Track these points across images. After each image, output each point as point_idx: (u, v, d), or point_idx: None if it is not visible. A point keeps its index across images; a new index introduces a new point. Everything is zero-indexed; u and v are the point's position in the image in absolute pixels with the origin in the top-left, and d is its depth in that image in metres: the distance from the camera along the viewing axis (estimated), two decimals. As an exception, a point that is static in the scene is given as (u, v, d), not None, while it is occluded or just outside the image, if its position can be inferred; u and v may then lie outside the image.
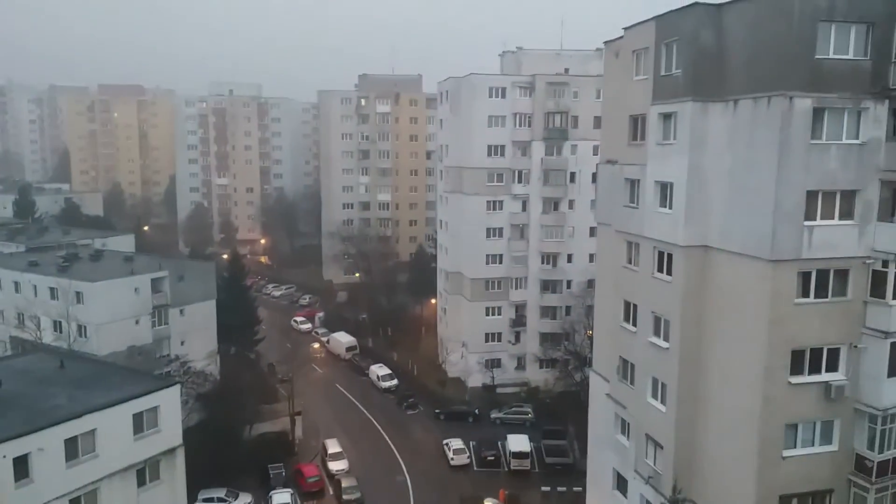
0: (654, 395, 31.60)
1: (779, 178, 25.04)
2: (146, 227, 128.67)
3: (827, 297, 26.11)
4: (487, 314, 73.97)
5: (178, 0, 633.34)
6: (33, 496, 30.15)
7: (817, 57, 24.73)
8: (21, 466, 29.95)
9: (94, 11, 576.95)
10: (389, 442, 62.80)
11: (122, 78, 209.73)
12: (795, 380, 26.15)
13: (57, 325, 54.57)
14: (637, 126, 32.71)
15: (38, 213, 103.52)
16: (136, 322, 56.37)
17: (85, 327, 54.02)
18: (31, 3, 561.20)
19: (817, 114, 25.08)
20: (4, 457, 29.24)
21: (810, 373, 26.42)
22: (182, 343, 59.58)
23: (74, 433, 31.99)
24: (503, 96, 71.53)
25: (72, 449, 31.95)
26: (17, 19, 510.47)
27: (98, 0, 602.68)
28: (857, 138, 25.56)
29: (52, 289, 55.85)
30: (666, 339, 30.44)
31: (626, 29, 33.31)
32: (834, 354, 26.60)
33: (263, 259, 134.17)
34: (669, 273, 30.01)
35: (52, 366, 39.61)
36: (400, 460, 59.63)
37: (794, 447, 26.77)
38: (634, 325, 33.03)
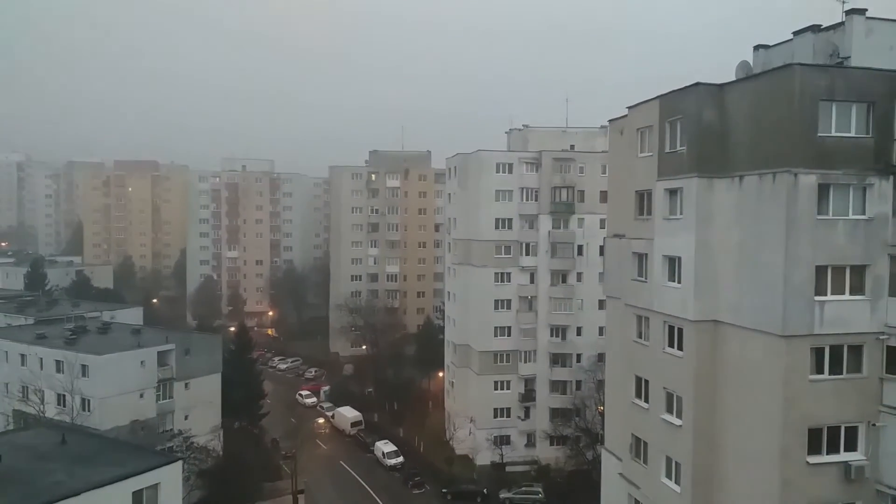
0: (668, 475, 30.64)
1: (787, 254, 25.03)
2: (155, 300, 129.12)
3: (842, 373, 25.62)
4: (496, 388, 72.84)
5: (195, 79, 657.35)
6: (26, 579, 29.14)
7: (820, 135, 25.15)
8: (16, 547, 29.08)
9: (114, 89, 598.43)
10: (395, 523, 60.76)
11: (137, 153, 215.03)
12: (814, 459, 25.35)
13: (61, 399, 54.08)
14: (643, 201, 33.04)
15: (48, 286, 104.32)
16: (141, 396, 55.87)
17: (89, 401, 53.51)
18: (52, 81, 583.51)
19: (822, 190, 25.30)
20: (0, 536, 28.43)
21: (828, 452, 25.61)
22: (186, 417, 58.81)
23: (73, 512, 31.15)
24: (510, 171, 72.83)
25: (69, 528, 31.05)
26: (38, 97, 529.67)
27: (118, 79, 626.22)
28: (863, 213, 25.68)
29: (58, 362, 55.70)
30: (679, 416, 29.76)
31: (630, 108, 34.13)
32: (852, 433, 25.87)
33: (270, 331, 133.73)
34: (680, 348, 29.64)
35: (53, 441, 39.01)
36: (406, 542, 57.53)
37: (816, 531, 25.67)
38: (647, 401, 32.39)
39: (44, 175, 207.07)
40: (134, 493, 33.95)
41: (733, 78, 29.87)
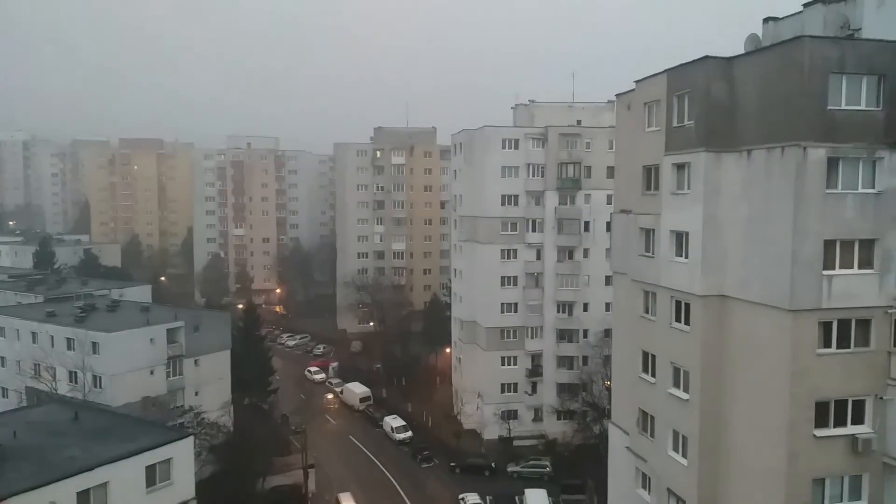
0: (675, 449, 30.90)
1: (795, 228, 24.95)
2: (163, 278, 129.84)
3: (850, 347, 25.64)
4: (503, 364, 73.31)
5: (199, 57, 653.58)
6: (44, 551, 29.79)
7: (830, 108, 24.90)
8: (33, 520, 29.68)
9: (117, 68, 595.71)
10: (404, 496, 61.60)
11: (142, 132, 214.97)
12: (821, 433, 25.50)
13: (72, 376, 54.70)
14: (650, 176, 32.88)
15: (57, 264, 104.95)
16: (151, 372, 56.43)
17: (100, 378, 54.11)
18: (55, 59, 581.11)
19: (832, 163, 25.12)
20: (17, 510, 29.00)
21: (836, 425, 25.75)
22: (196, 393, 59.45)
23: (87, 486, 31.84)
24: (516, 147, 72.49)
25: (84, 502, 31.72)
26: (43, 76, 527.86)
27: (120, 56, 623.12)
28: (872, 187, 25.50)
29: (68, 339, 56.20)
30: (686, 390, 29.93)
31: (637, 82, 33.81)
32: (859, 406, 25.97)
33: (278, 309, 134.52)
34: (688, 323, 29.70)
35: (66, 417, 39.63)
36: (414, 515, 58.38)
37: (822, 503, 25.93)
38: (653, 376, 32.55)
39: (49, 154, 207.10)
40: (147, 467, 34.60)
41: (742, 51, 29.54)
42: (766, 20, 32.36)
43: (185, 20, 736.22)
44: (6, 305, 71.41)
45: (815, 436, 25.41)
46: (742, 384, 27.68)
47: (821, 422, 25.56)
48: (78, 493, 31.44)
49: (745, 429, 27.54)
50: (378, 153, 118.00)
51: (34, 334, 59.13)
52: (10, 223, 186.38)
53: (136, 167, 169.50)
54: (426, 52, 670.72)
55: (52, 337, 57.64)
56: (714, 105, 28.15)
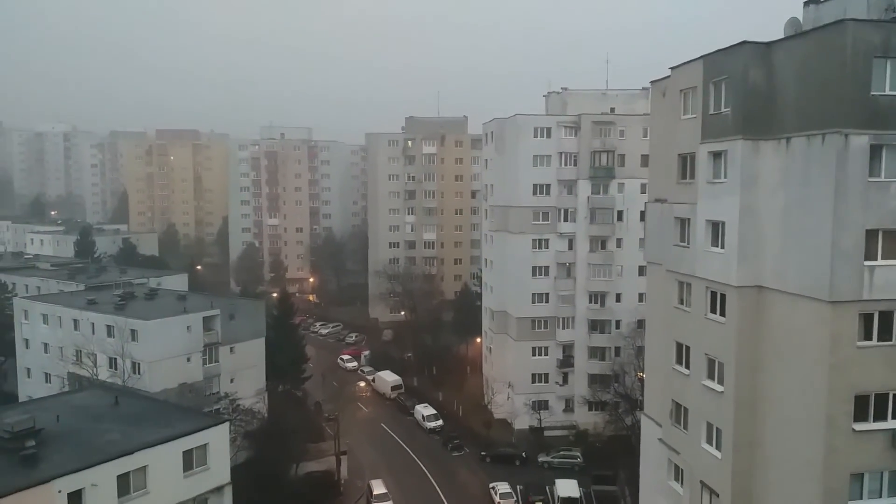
0: (709, 441, 30.53)
1: (836, 217, 24.36)
2: (199, 267, 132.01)
3: (891, 339, 25.01)
4: (534, 354, 73.11)
5: (233, 48, 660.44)
6: (86, 532, 30.68)
7: (873, 93, 24.20)
8: (75, 501, 30.63)
9: (154, 60, 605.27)
10: (435, 484, 62.00)
11: (178, 123, 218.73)
12: (860, 427, 24.97)
13: (112, 362, 56.02)
14: (686, 165, 32.35)
15: (97, 253, 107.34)
16: (188, 360, 57.50)
17: (139, 364, 55.34)
18: (94, 53, 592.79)
19: (874, 151, 24.43)
20: (60, 492, 29.97)
21: (876, 419, 25.18)
22: (231, 380, 60.44)
23: (127, 469, 32.66)
24: (548, 136, 71.87)
25: (124, 485, 32.60)
26: (82, 69, 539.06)
27: (158, 49, 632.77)
28: (918, 175, 24.73)
29: (108, 326, 57.54)
30: (720, 382, 29.52)
31: (672, 68, 33.23)
32: (901, 400, 25.34)
33: (311, 297, 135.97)
34: (723, 314, 29.25)
35: (107, 402, 40.67)
36: (445, 503, 58.69)
37: (860, 499, 25.40)
38: (687, 367, 32.17)
39: (89, 145, 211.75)
40: (184, 452, 35.35)
41: (781, 36, 28.79)
42: (806, 4, 31.44)
43: (220, 11, 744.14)
44: (49, 293, 73.43)
45: (854, 430, 24.89)
46: (778, 377, 27.20)
47: (860, 416, 25.02)
48: (118, 477, 32.31)
49: (781, 422, 27.09)
50: (409, 143, 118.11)
51: (76, 321, 60.68)
52: (52, 213, 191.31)
53: (172, 158, 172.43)
54: (458, 42, 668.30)
55: (93, 324, 59.05)
56: (752, 91, 27.54)
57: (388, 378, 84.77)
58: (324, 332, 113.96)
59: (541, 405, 72.36)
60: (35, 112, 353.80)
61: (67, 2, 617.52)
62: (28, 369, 65.59)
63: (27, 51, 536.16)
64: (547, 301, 72.96)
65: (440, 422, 73.74)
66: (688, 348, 32.15)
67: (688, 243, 31.95)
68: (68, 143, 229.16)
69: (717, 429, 29.93)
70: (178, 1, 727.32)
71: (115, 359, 55.28)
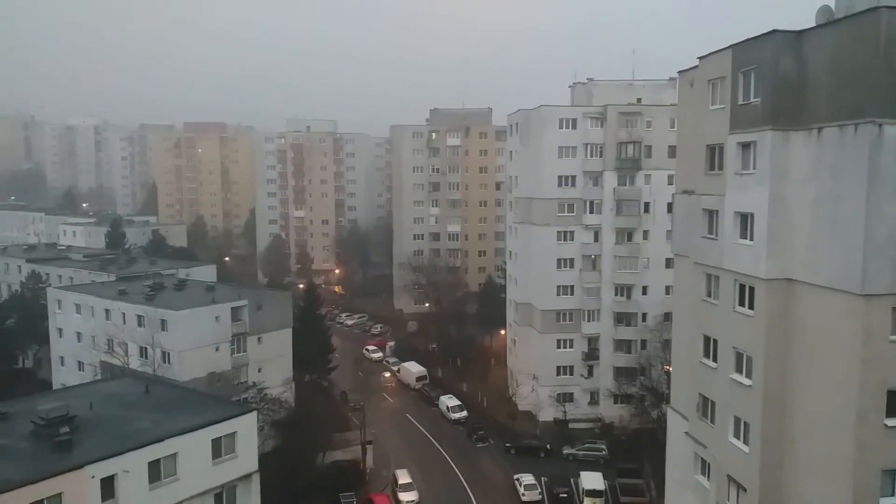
0: (737, 435, 30.24)
1: (868, 209, 23.89)
2: (227, 258, 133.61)
3: (925, 334, 24.50)
4: (559, 347, 72.89)
5: (259, 42, 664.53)
6: (119, 517, 31.38)
7: (908, 82, 23.62)
8: (108, 487, 31.35)
9: (183, 54, 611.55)
10: (459, 474, 62.27)
11: (206, 116, 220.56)
12: (892, 422, 24.52)
13: (143, 352, 57.11)
14: (714, 156, 31.94)
15: (127, 245, 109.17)
16: (217, 349, 58.32)
17: (169, 353, 56.30)
18: (124, 48, 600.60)
19: (910, 141, 23.86)
20: (93, 477, 30.65)
21: (908, 415, 24.72)
22: (259, 370, 61.18)
23: (158, 456, 33.26)
24: (574, 127, 71.33)
25: (155, 471, 33.19)
26: (113, 64, 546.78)
27: (187, 45, 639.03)
28: (954, 166, 24.12)
29: (139, 316, 58.60)
30: (748, 376, 29.20)
31: (701, 58, 32.78)
32: (935, 396, 24.83)
33: (337, 289, 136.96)
34: (751, 307, 28.90)
35: (138, 390, 41.43)
36: (470, 494, 58.97)
37: (892, 495, 24.97)
38: (715, 361, 31.86)
39: (119, 138, 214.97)
40: (213, 440, 35.89)
41: (812, 24, 28.22)
42: (839, -9, 30.74)
43: (245, 6, 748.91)
44: (81, 283, 74.92)
45: (885, 425, 24.47)
46: (808, 371, 26.84)
47: (892, 411, 24.58)
48: (149, 463, 32.93)
49: (810, 417, 26.74)
50: (434, 135, 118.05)
51: (107, 311, 61.88)
52: (84, 205, 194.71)
53: (200, 150, 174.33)
54: (483, 34, 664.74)
55: (124, 314, 60.15)
56: (782, 81, 27.08)
57: (412, 369, 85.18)
58: (349, 323, 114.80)
59: (565, 397, 72.17)
60: (67, 106, 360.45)
61: (98, 1, 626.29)
62: (62, 358, 67.07)
63: (60, 47, 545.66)
64: (572, 293, 72.64)
65: (464, 413, 73.96)
66: (715, 341, 31.84)
67: (716, 235, 31.59)
68: (99, 136, 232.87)
69: (744, 423, 29.64)
70: (205, 1, 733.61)
71: (146, 348, 56.33)
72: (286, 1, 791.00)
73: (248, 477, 37.53)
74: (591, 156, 71.53)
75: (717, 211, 31.44)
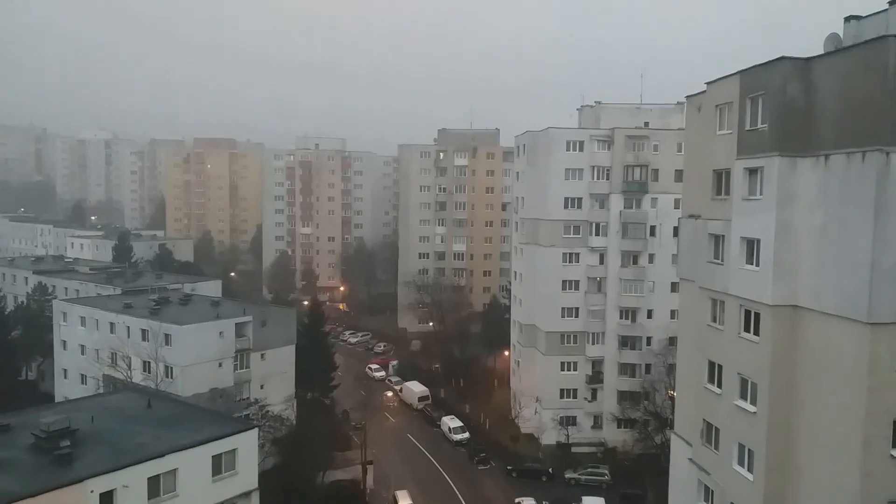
0: (741, 463, 29.93)
1: (876, 237, 23.82)
2: (233, 274, 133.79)
3: (933, 363, 24.28)
4: (563, 369, 72.48)
5: (270, 60, 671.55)
6: (117, 532, 31.17)
7: (916, 111, 23.65)
8: (107, 502, 31.14)
9: (194, 71, 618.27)
10: (460, 497, 61.70)
11: (215, 132, 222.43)
12: (899, 453, 24.24)
13: (146, 366, 57.02)
14: (721, 181, 31.98)
15: (134, 258, 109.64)
16: (220, 365, 58.21)
17: (171, 368, 56.21)
18: (136, 63, 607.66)
19: (917, 169, 23.83)
20: (92, 492, 30.51)
21: (916, 446, 24.42)
22: (262, 387, 61.00)
23: (158, 472, 33.13)
24: (581, 149, 71.58)
25: (154, 487, 33.04)
26: (124, 79, 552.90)
27: (196, 60, 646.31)
28: (962, 196, 24.06)
29: (143, 330, 58.55)
30: (753, 402, 28.96)
31: (708, 83, 32.94)
32: (942, 427, 24.54)
33: (342, 306, 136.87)
34: (757, 333, 28.74)
35: (140, 404, 41.35)
36: (470, 516, 58.37)
37: (899, 527, 24.62)
38: (719, 386, 31.63)
39: (129, 152, 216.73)
40: (213, 456, 35.75)
41: (820, 52, 28.38)
42: (847, 19, 30.95)
43: (255, 25, 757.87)
44: (87, 296, 75.12)
45: (892, 455, 24.18)
46: (813, 398, 26.60)
47: (899, 441, 24.28)
48: (149, 479, 32.77)
49: (816, 445, 26.45)
50: (441, 154, 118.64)
51: (112, 324, 61.91)
52: (92, 218, 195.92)
53: (209, 166, 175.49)
54: (491, 56, 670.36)
55: (129, 328, 60.16)
56: (790, 107, 27.16)
57: (415, 389, 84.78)
58: (353, 340, 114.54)
59: (569, 421, 71.62)
60: (79, 120, 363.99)
61: (112, 17, 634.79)
62: (65, 370, 67.05)
63: (73, 62, 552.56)
64: (577, 316, 72.38)
65: (466, 434, 73.44)
66: (720, 367, 31.63)
67: (722, 260, 31.52)
68: (109, 150, 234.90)
69: (749, 450, 29.34)
70: (215, 17, 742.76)
71: (149, 362, 56.25)
72: (297, 20, 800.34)
73: (248, 494, 37.32)
74: (598, 178, 71.68)
75: (723, 236, 31.40)
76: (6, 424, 36.05)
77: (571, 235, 71.74)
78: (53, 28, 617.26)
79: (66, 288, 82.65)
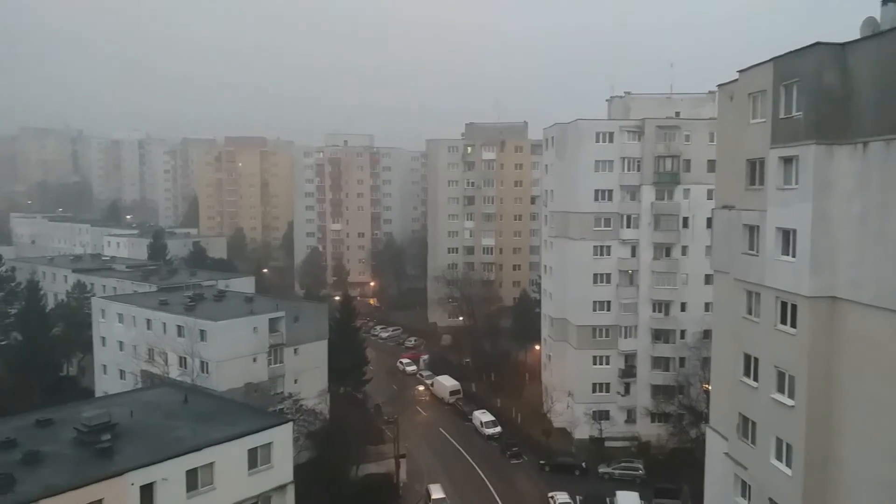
0: (779, 457, 29.43)
1: (918, 225, 23.16)
2: (265, 270, 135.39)
3: (979, 355, 23.61)
4: (595, 363, 72.00)
5: (299, 57, 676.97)
6: (157, 523, 31.89)
7: (959, 95, 22.95)
8: (147, 494, 31.86)
9: (224, 70, 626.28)
10: (493, 491, 61.77)
11: (246, 130, 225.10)
12: (943, 447, 23.62)
13: (182, 361, 58.05)
14: (755, 170, 31.41)
15: (168, 256, 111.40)
16: (254, 360, 59.01)
17: (207, 363, 57.14)
18: (169, 65, 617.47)
19: (961, 156, 23.14)
20: (133, 484, 31.21)
21: (962, 440, 23.78)
22: (295, 381, 61.68)
23: (196, 465, 33.75)
24: (611, 141, 70.82)
25: (192, 480, 33.69)
26: (157, 79, 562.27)
27: (226, 59, 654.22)
28: None
29: (179, 326, 59.62)
30: (791, 396, 28.44)
31: (741, 71, 32.35)
32: None
33: (372, 301, 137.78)
34: (794, 325, 28.20)
35: (177, 399, 42.16)
36: (503, 510, 58.42)
37: (945, 523, 24.02)
38: (756, 380, 31.13)
39: (162, 152, 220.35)
40: (249, 450, 36.30)
41: (856, 36, 27.64)
42: (884, 3, 29.97)
43: (285, 25, 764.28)
44: (124, 294, 76.71)
45: (937, 450, 23.57)
46: (854, 392, 26.03)
47: (944, 435, 23.66)
48: (187, 472, 33.44)
49: (857, 439, 25.89)
50: (469, 149, 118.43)
51: (148, 321, 63.14)
52: (128, 217, 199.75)
53: (240, 164, 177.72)
54: (519, 47, 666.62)
55: (165, 324, 61.32)
56: (825, 94, 26.55)
57: (446, 383, 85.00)
58: (384, 335, 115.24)
59: (601, 415, 71.15)
60: (112, 120, 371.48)
61: (143, 20, 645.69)
62: (104, 366, 68.62)
63: (108, 65, 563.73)
64: (608, 309, 71.80)
65: (498, 428, 73.45)
66: (756, 360, 31.13)
67: (757, 251, 30.98)
68: (143, 150, 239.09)
69: (787, 444, 28.84)
70: (243, 18, 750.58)
71: (185, 358, 57.26)
72: (324, 18, 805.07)
73: (283, 487, 37.81)
74: (629, 170, 70.90)
75: (757, 226, 30.85)
76: (49, 419, 37.06)
77: (602, 228, 71.11)
78: (87, 33, 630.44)
79: (103, 286, 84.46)
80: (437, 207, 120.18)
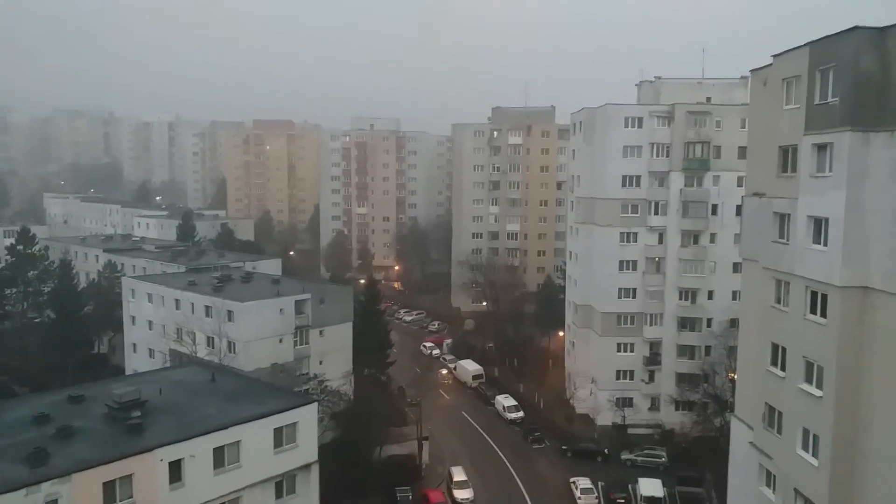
0: (805, 448, 29.12)
1: (956, 215, 22.59)
2: (291, 252, 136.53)
3: None
4: (619, 350, 71.64)
5: (326, 42, 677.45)
6: (184, 499, 32.67)
7: None
8: (175, 470, 32.51)
9: (252, 54, 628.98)
10: (514, 475, 62.08)
11: (274, 114, 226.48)
12: (976, 441, 23.18)
13: (210, 341, 58.93)
14: (787, 157, 30.83)
15: (197, 237, 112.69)
16: (280, 341, 59.71)
17: (234, 343, 57.96)
18: (199, 49, 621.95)
19: None
20: (162, 460, 31.87)
21: None
22: (320, 363, 62.32)
23: (222, 443, 34.30)
24: (640, 126, 69.90)
25: (219, 458, 34.24)
26: (186, 63, 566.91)
27: (256, 43, 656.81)
28: None
29: (207, 307, 60.42)
30: (819, 386, 28.08)
31: (775, 56, 31.67)
32: None
33: (396, 285, 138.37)
34: (824, 315, 27.77)
35: (204, 378, 42.78)
36: (525, 495, 58.74)
37: (975, 518, 23.64)
38: (783, 369, 30.77)
39: (191, 134, 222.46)
40: (275, 429, 36.75)
41: (899, 20, 26.88)
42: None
43: (313, 9, 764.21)
44: (153, 274, 77.94)
45: (969, 444, 23.14)
46: (885, 384, 25.61)
47: (977, 429, 23.21)
48: (214, 449, 34.00)
49: (886, 432, 25.52)
50: (495, 133, 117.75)
51: (177, 301, 64.12)
52: (157, 198, 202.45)
53: (268, 147, 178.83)
54: (547, 30, 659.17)
55: (193, 304, 62.15)
56: (863, 80, 25.91)
57: (469, 367, 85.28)
58: (407, 319, 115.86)
59: (625, 402, 70.89)
60: (143, 103, 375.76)
61: (178, 5, 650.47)
62: (134, 344, 69.95)
63: (139, 50, 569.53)
64: (634, 296, 71.26)
65: (521, 413, 73.62)
66: (784, 349, 30.75)
67: (787, 240, 30.50)
68: (172, 132, 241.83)
69: (814, 435, 28.52)
70: (275, 3, 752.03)
71: (213, 338, 58.11)
72: (354, 4, 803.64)
73: (307, 467, 38.28)
74: (658, 156, 69.96)
75: (788, 215, 30.34)
76: (81, 395, 37.90)
77: (629, 214, 70.41)
78: (119, 17, 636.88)
79: (133, 266, 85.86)
80: (462, 192, 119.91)
